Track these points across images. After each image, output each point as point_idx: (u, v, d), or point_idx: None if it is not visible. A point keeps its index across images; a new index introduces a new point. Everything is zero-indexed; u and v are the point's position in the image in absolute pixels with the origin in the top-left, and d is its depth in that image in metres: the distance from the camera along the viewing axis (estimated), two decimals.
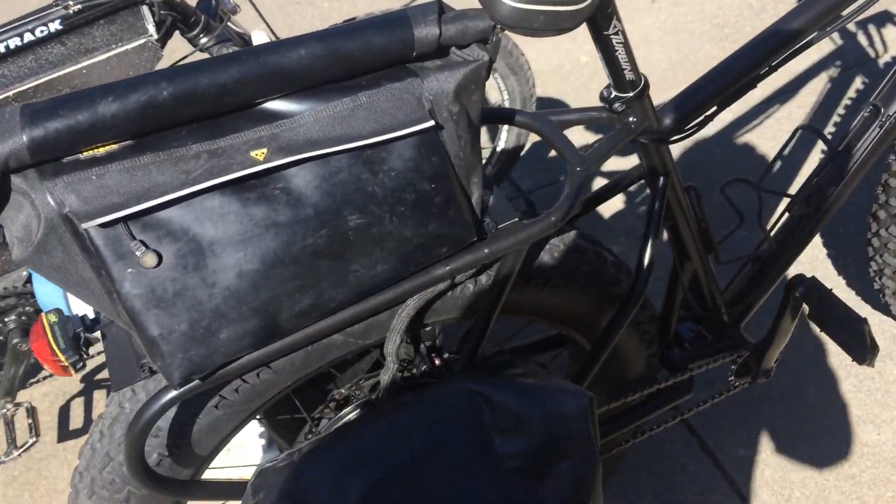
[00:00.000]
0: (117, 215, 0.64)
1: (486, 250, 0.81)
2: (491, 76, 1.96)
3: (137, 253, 0.66)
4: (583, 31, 2.76)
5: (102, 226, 0.65)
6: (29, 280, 1.63)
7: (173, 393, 0.77)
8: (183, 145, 0.66)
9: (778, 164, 1.76)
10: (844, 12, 1.01)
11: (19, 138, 0.60)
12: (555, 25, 0.73)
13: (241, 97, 0.68)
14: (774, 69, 0.99)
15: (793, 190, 1.64)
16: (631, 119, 0.95)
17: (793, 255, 1.22)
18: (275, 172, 0.69)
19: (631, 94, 0.92)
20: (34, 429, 1.83)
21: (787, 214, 1.22)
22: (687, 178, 2.16)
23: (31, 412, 1.86)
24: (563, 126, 0.93)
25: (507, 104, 1.98)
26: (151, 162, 0.65)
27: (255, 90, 0.68)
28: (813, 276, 1.10)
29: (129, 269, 0.67)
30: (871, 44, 2.53)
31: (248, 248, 0.69)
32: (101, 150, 0.66)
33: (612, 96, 0.93)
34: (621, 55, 0.88)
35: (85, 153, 0.65)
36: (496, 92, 1.97)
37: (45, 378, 1.96)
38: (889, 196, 1.42)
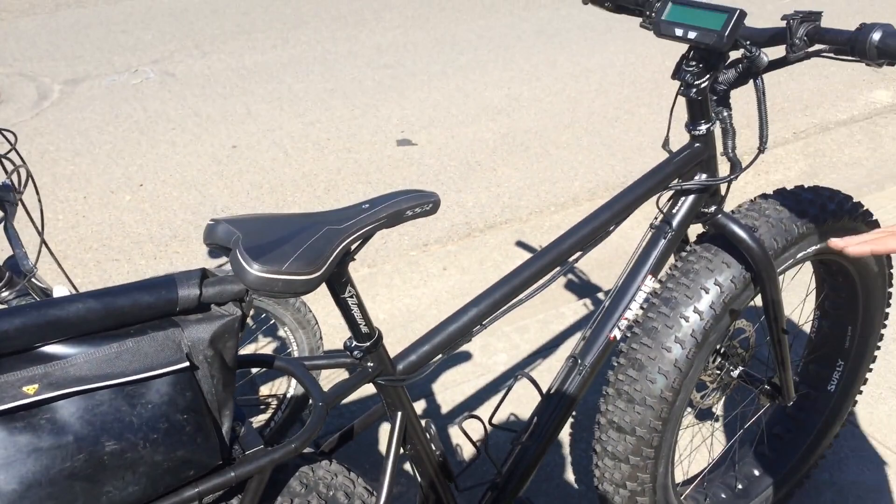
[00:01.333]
0: None
1: (232, 473, 0.95)
2: (281, 329, 2.18)
3: None
4: (388, 296, 3.10)
5: None
6: None
7: None
8: None
9: (504, 403, 2.05)
10: (548, 277, 1.33)
11: None
12: (292, 289, 0.94)
13: (21, 342, 0.82)
14: (484, 327, 1.27)
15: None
16: (369, 364, 1.16)
17: (521, 483, 1.43)
18: (43, 405, 0.81)
19: (367, 344, 1.15)
20: None
21: (514, 447, 1.45)
22: (426, 414, 2.40)
23: None
24: (313, 369, 1.13)
25: (296, 353, 2.17)
26: None
27: (34, 337, 0.82)
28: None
29: None
30: (579, 297, 3.02)
31: (9, 471, 0.79)
32: None
33: (353, 345, 1.15)
34: (356, 313, 1.11)
35: None
36: (288, 343, 2.16)
37: None
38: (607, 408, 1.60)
